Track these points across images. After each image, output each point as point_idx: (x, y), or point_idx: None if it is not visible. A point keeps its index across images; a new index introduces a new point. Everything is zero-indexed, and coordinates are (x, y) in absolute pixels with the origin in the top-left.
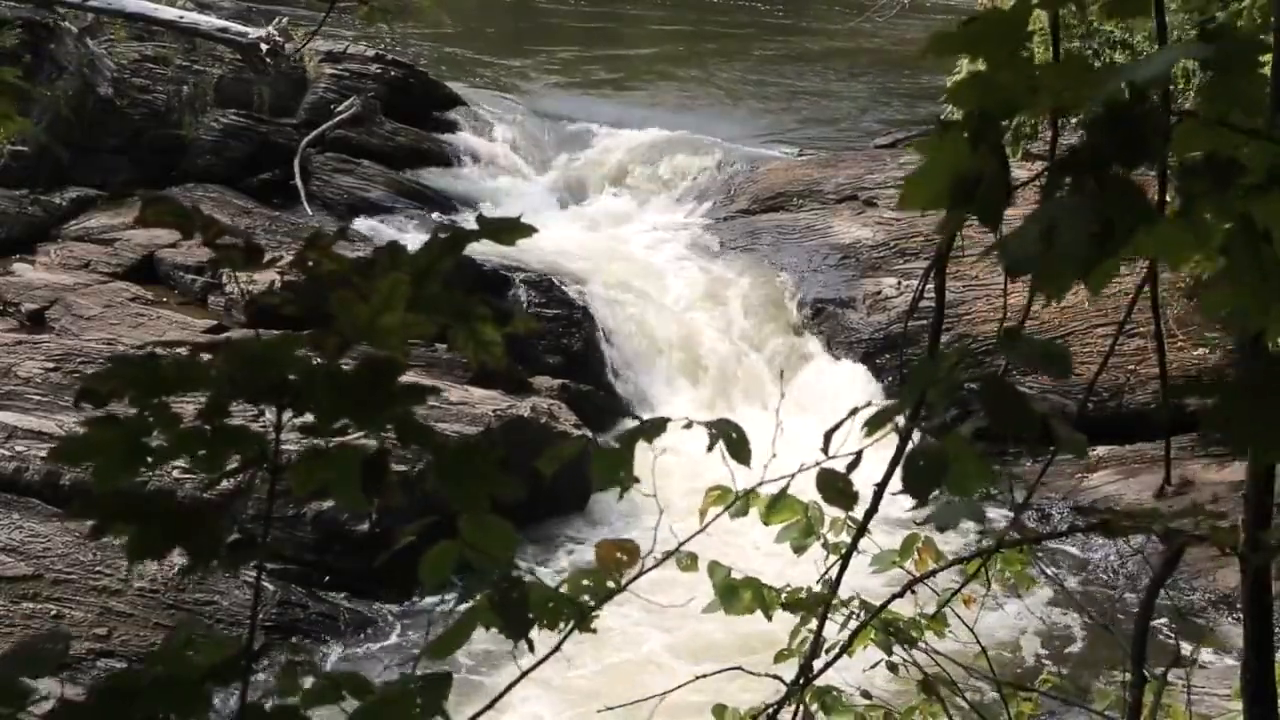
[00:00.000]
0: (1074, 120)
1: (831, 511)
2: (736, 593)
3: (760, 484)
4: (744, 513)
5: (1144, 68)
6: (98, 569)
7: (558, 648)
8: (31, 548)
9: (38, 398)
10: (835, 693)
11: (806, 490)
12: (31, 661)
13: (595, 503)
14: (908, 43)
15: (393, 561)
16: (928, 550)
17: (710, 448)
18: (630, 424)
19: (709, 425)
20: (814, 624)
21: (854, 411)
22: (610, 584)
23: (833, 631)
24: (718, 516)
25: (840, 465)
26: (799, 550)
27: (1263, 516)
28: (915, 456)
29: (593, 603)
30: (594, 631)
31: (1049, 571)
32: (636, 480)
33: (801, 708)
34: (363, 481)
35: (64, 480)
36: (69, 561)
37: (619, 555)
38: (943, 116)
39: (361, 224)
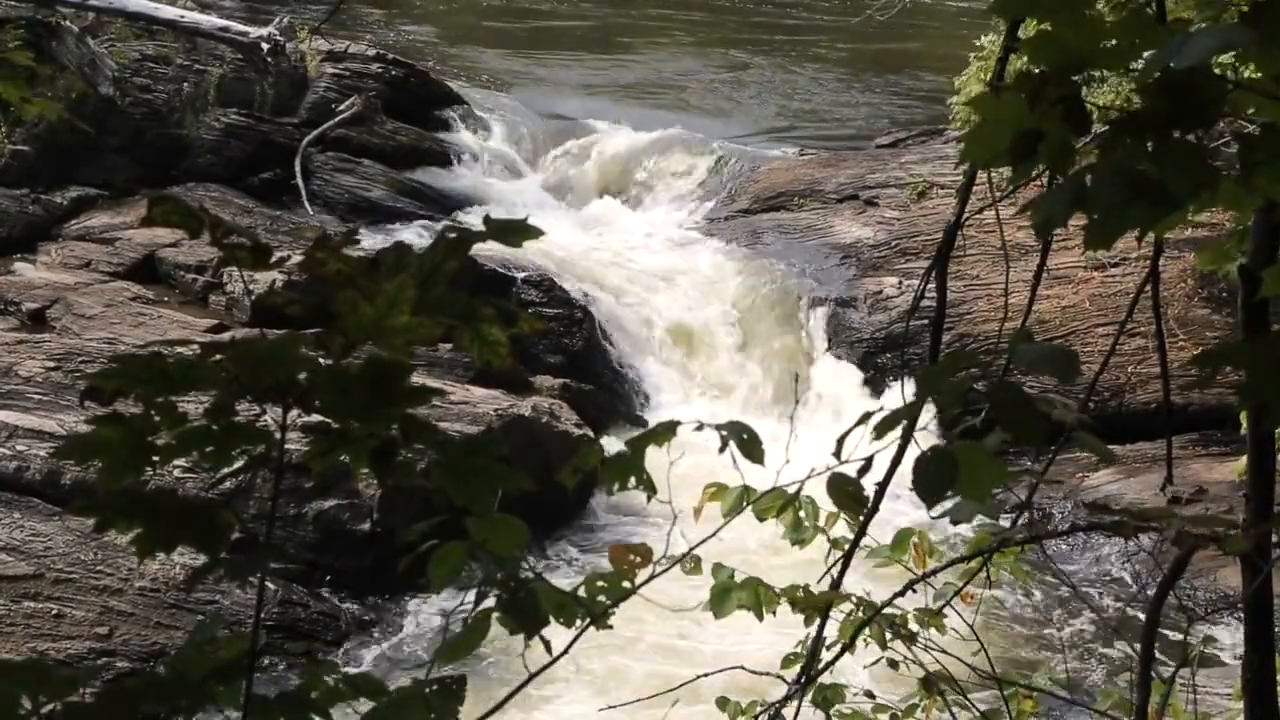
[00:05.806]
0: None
1: (828, 505)
2: (728, 595)
3: (772, 489)
4: (739, 510)
5: (1185, 50)
6: (99, 568)
7: (566, 650)
8: (32, 547)
9: (38, 397)
10: (840, 687)
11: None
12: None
13: (595, 502)
14: (909, 42)
15: (393, 560)
16: (923, 546)
17: (722, 449)
18: (634, 426)
19: (720, 428)
20: (816, 625)
21: (865, 416)
22: (626, 585)
23: (834, 631)
24: (728, 522)
25: (850, 469)
26: (798, 544)
27: (1263, 514)
28: (925, 460)
29: (608, 602)
30: (610, 628)
31: (1052, 570)
32: (653, 491)
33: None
34: (374, 466)
35: (65, 479)
36: (70, 561)
37: (631, 558)
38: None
39: (361, 223)
